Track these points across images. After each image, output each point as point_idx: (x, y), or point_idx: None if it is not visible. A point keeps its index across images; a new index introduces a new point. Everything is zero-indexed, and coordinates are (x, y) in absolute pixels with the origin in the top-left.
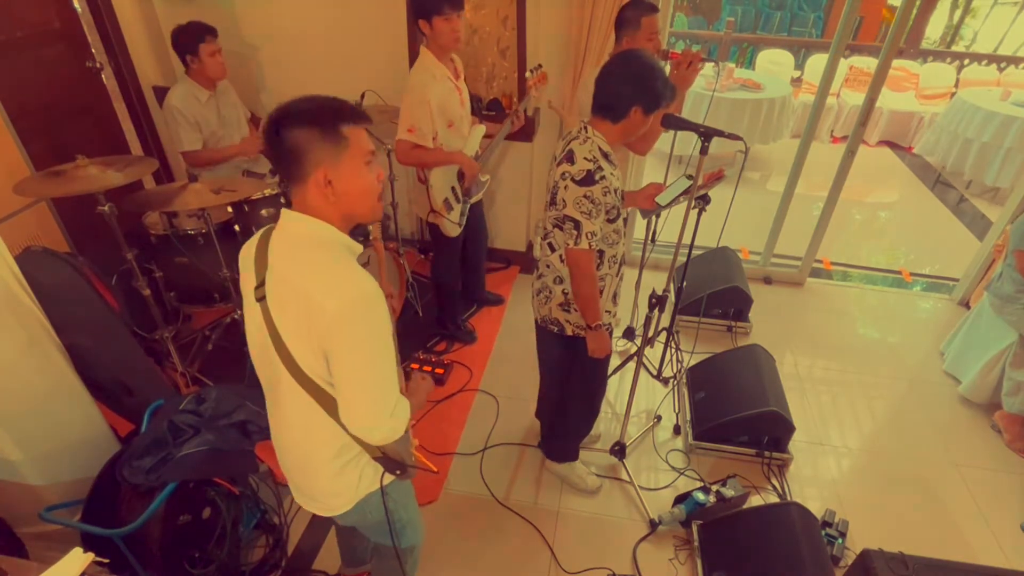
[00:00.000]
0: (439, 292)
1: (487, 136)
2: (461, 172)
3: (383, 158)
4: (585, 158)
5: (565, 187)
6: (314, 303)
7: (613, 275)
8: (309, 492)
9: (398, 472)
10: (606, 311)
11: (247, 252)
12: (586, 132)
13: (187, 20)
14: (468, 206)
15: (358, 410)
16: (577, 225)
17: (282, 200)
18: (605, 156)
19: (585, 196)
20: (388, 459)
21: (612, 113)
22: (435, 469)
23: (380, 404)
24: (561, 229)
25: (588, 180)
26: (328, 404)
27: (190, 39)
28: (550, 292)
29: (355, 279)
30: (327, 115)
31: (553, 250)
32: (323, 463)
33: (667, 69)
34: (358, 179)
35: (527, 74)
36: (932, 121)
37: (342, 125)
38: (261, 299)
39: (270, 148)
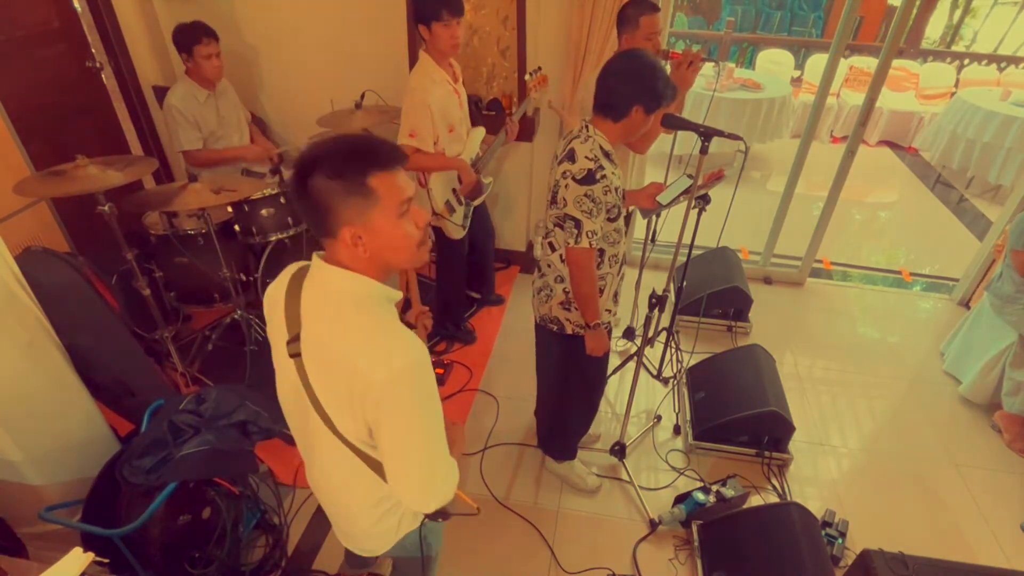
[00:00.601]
0: (443, 294)
1: (485, 141)
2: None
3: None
4: (586, 157)
5: (566, 185)
6: (359, 374)
7: (614, 274)
8: (349, 532)
9: (440, 519)
10: (606, 310)
11: (275, 299)
12: (587, 131)
13: (188, 19)
14: (471, 208)
15: (410, 484)
16: (578, 224)
17: (282, 200)
18: (606, 155)
19: (586, 195)
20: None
21: (613, 112)
22: (476, 509)
23: (432, 475)
24: (562, 228)
25: (589, 179)
26: (368, 461)
27: (186, 39)
28: (551, 291)
29: (402, 347)
30: (352, 165)
31: (554, 249)
32: (363, 511)
33: (667, 69)
34: (392, 232)
35: (526, 77)
36: (932, 121)
37: (370, 175)
38: (295, 355)
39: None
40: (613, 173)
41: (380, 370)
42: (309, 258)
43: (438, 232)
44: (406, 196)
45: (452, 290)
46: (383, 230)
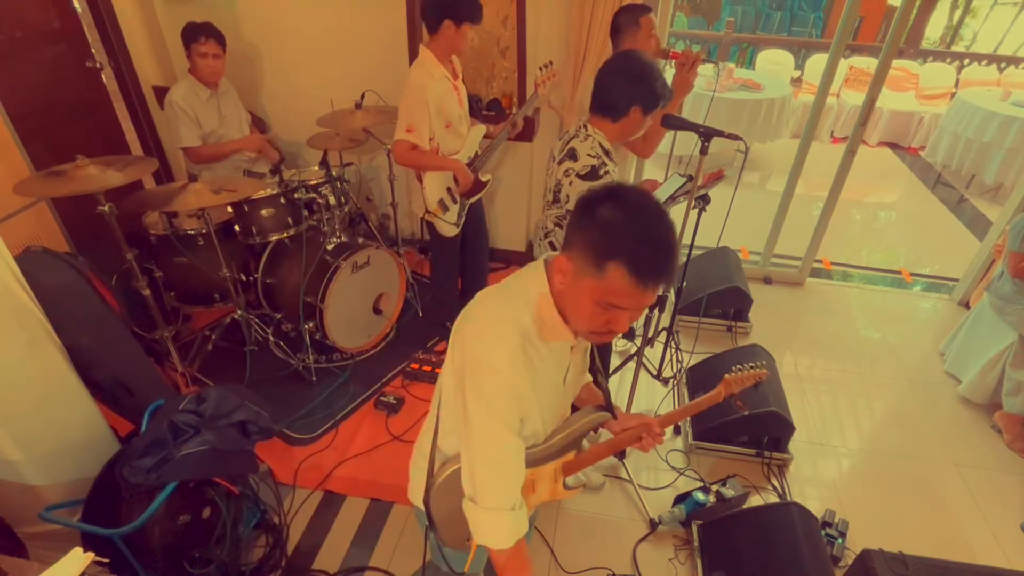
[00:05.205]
0: (437, 291)
1: (487, 137)
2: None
3: (383, 160)
4: (588, 154)
5: (570, 183)
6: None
7: None
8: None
9: (427, 525)
10: None
11: None
12: (586, 130)
13: (187, 20)
14: (466, 206)
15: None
16: None
17: (282, 200)
18: (606, 153)
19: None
20: (430, 518)
21: (612, 112)
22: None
23: (471, 473)
24: (563, 227)
25: (592, 175)
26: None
27: (187, 37)
28: None
29: (484, 342)
30: (617, 242)
31: (554, 248)
32: (416, 454)
33: (669, 68)
34: (582, 301)
35: (537, 71)
36: (932, 122)
37: (613, 261)
38: None
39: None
40: (614, 170)
41: (463, 347)
42: (308, 258)
43: (431, 229)
44: (613, 301)
45: (444, 287)
46: (580, 293)
